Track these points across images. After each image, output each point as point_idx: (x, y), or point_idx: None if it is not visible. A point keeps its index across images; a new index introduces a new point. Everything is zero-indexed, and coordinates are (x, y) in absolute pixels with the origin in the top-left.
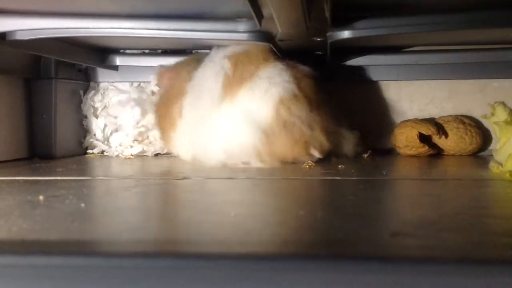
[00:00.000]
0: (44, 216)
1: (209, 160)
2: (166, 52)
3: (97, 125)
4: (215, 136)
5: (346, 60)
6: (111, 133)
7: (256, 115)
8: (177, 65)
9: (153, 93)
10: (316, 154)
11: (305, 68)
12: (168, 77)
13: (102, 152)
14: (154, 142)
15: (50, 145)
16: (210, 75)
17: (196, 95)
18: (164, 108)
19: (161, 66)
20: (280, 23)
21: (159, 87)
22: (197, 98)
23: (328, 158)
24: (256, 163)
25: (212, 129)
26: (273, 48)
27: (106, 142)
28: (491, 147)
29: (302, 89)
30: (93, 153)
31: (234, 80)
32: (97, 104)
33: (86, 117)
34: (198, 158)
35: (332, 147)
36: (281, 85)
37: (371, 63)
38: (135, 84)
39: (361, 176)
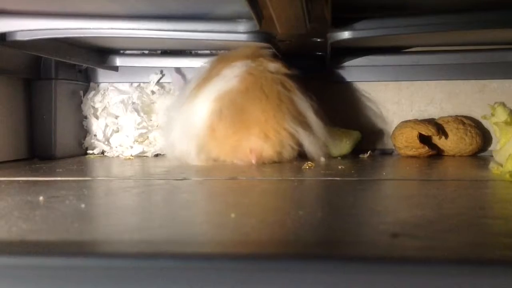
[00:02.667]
0: (44, 217)
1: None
2: (166, 53)
3: (97, 126)
4: (171, 135)
5: (346, 61)
6: (111, 134)
7: (193, 117)
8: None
9: (153, 93)
10: (253, 160)
11: (272, 65)
12: None
13: (102, 152)
14: (154, 143)
15: (50, 146)
16: (197, 74)
17: (182, 93)
18: None
19: None
20: (279, 24)
21: None
22: (181, 95)
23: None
24: (194, 162)
25: (171, 127)
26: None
27: (106, 143)
28: (491, 147)
29: (245, 84)
30: (93, 153)
31: (202, 82)
32: (97, 105)
33: (86, 117)
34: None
35: (282, 153)
36: (223, 82)
37: (371, 64)
38: (135, 85)
39: (361, 177)
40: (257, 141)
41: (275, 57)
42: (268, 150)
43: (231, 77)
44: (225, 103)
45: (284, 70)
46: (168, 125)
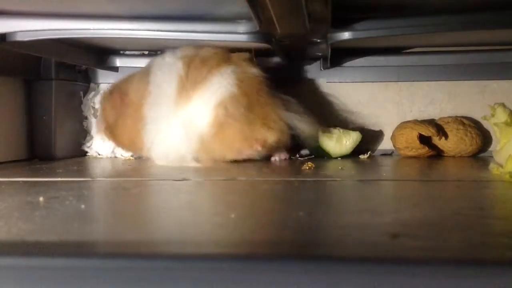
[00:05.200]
0: (44, 218)
1: (157, 160)
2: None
3: None
4: (163, 139)
5: (346, 61)
6: None
7: (196, 120)
8: (119, 83)
9: None
10: (259, 148)
11: (253, 70)
12: (119, 96)
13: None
14: None
15: (50, 146)
16: (166, 78)
17: (155, 98)
18: (125, 122)
19: (105, 91)
20: (279, 24)
21: (112, 109)
22: (156, 100)
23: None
24: (193, 164)
25: (162, 131)
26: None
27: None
28: (491, 148)
29: (242, 90)
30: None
31: (188, 85)
32: (97, 105)
33: (86, 118)
34: (152, 158)
35: (281, 139)
36: (222, 89)
37: (371, 64)
38: None
39: (361, 177)
40: (261, 132)
41: (244, 58)
42: (271, 138)
43: (225, 84)
44: (230, 105)
45: (261, 73)
46: (158, 134)
